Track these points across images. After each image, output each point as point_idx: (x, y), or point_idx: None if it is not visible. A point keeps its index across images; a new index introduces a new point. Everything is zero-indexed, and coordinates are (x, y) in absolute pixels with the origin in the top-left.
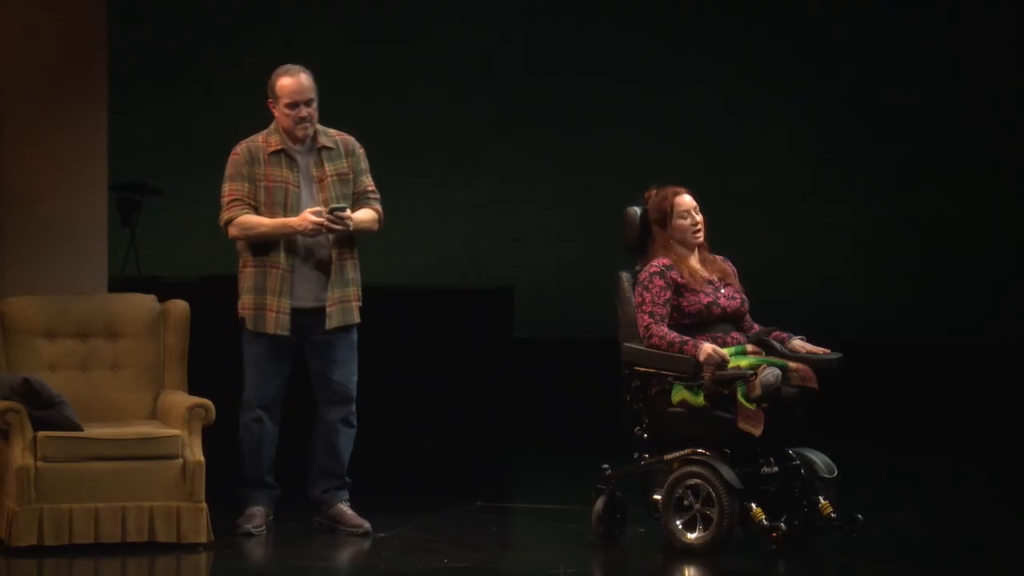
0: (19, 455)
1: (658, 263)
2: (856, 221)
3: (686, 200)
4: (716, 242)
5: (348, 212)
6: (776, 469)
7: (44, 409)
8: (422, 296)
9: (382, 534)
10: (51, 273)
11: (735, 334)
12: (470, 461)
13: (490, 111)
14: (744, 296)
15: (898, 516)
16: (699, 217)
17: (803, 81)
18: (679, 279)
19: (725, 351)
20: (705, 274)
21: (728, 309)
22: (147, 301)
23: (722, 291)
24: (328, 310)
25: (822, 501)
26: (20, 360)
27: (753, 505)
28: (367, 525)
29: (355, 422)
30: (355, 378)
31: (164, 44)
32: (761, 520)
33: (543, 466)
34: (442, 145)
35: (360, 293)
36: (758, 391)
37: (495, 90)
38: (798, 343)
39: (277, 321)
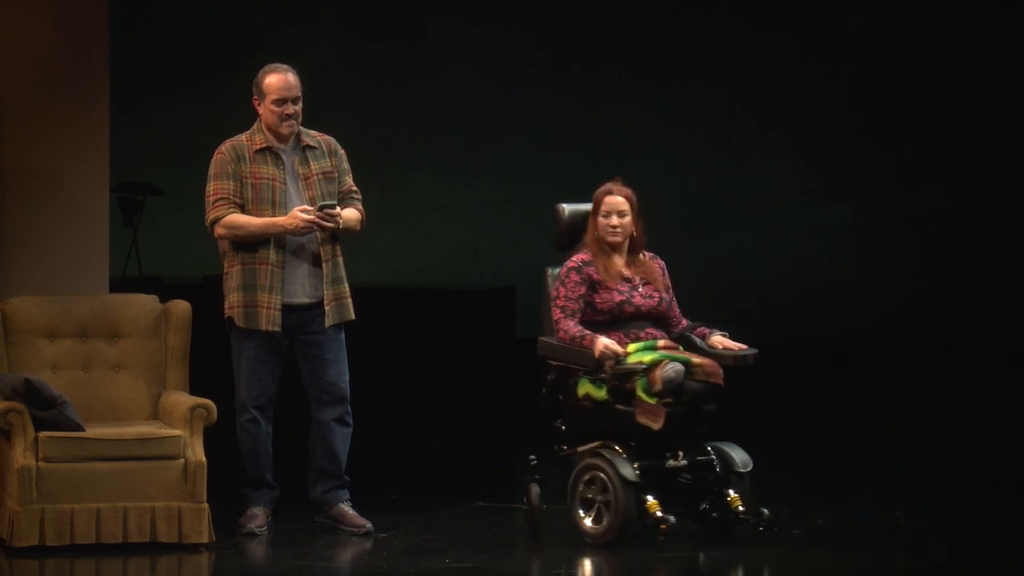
0: (21, 455)
1: (577, 259)
2: (857, 221)
3: (612, 199)
4: (717, 242)
5: (337, 209)
6: (684, 463)
7: (46, 409)
8: (424, 296)
9: (384, 534)
10: (53, 273)
11: (650, 330)
12: (472, 461)
13: (492, 111)
14: (665, 295)
15: (898, 516)
16: (620, 220)
17: (804, 81)
18: (595, 276)
19: (633, 346)
20: (626, 272)
21: (643, 308)
22: (149, 301)
23: (640, 290)
24: (325, 307)
25: (731, 495)
26: (22, 360)
27: (649, 497)
28: (369, 525)
29: (351, 421)
30: (347, 376)
31: (166, 44)
32: (655, 512)
33: (545, 466)
34: (444, 145)
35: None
36: (658, 386)
37: (497, 90)
38: (717, 339)
39: (269, 317)
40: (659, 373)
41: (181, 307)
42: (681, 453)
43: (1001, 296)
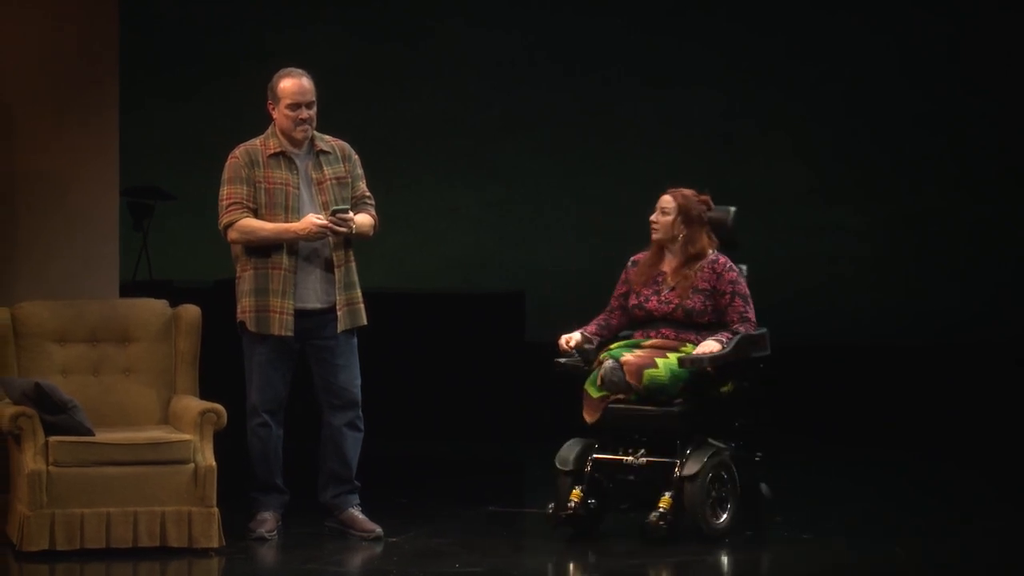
0: (31, 460)
1: (633, 258)
2: (857, 221)
3: (662, 197)
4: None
5: (351, 214)
6: (642, 460)
7: (56, 414)
8: (434, 300)
9: (393, 538)
10: (63, 278)
11: (665, 331)
12: (482, 465)
13: (500, 112)
14: (682, 303)
15: (897, 515)
16: (660, 217)
17: (804, 81)
18: (631, 276)
19: (616, 344)
20: (664, 275)
21: (655, 312)
22: (159, 306)
23: (662, 295)
24: (337, 312)
25: (665, 496)
26: (32, 364)
27: (577, 488)
28: (379, 530)
29: (362, 426)
30: (359, 381)
31: (175, 47)
32: (568, 502)
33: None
34: (452, 147)
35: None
36: (599, 381)
37: (497, 90)
38: (702, 344)
39: (281, 322)
40: (600, 370)
41: (191, 311)
42: (643, 451)
43: (1001, 296)
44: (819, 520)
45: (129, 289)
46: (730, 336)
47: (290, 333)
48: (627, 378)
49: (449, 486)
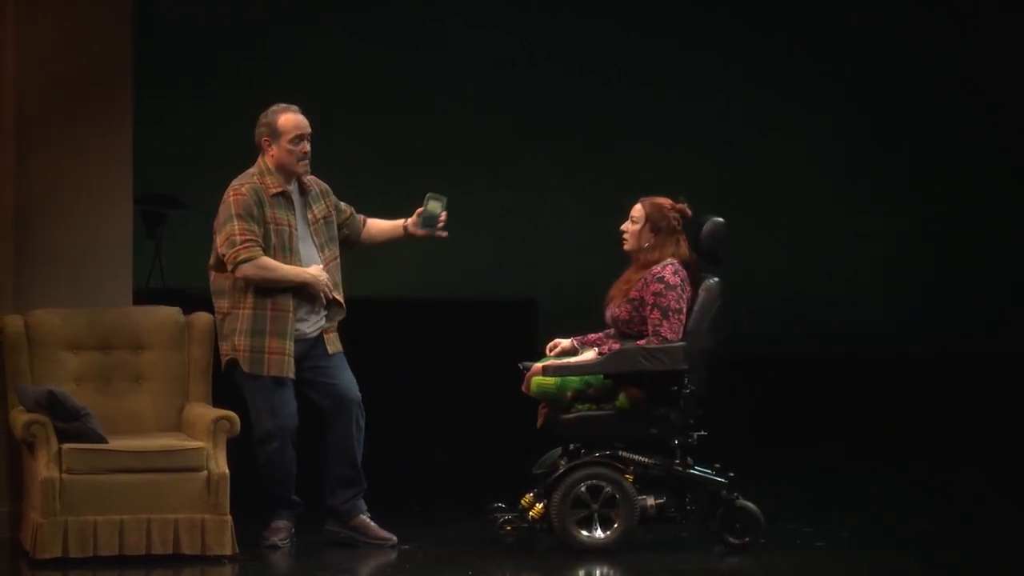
0: (44, 467)
1: None
2: (858, 223)
3: (633, 207)
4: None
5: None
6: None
7: (69, 421)
8: (445, 309)
9: (406, 546)
10: (76, 285)
11: (613, 341)
12: (493, 473)
13: (500, 113)
14: (619, 310)
15: (898, 517)
16: (629, 226)
17: (805, 81)
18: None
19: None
20: (624, 286)
21: (608, 323)
22: (172, 313)
23: (611, 306)
24: (327, 336)
25: (536, 505)
26: (45, 372)
27: (530, 493)
28: (394, 538)
29: (364, 424)
30: (355, 382)
31: (188, 56)
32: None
33: None
34: (462, 155)
35: None
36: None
37: (505, 92)
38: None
39: (281, 363)
40: None
41: (204, 319)
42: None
43: (1001, 299)
44: (819, 521)
45: (142, 297)
46: (615, 349)
47: (291, 375)
48: (522, 386)
49: (459, 494)
